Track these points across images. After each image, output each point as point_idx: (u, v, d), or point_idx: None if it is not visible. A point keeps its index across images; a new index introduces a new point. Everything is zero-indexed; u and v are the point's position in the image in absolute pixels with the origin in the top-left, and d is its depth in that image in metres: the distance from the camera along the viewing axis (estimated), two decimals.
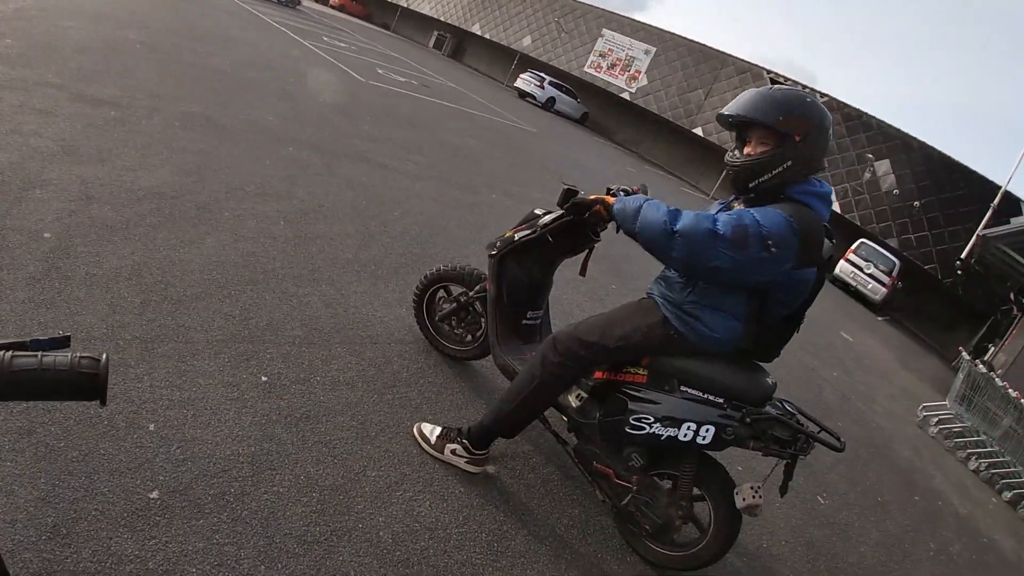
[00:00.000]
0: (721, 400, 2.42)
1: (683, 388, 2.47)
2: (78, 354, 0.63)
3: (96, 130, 4.92)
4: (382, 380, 3.20)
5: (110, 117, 5.31)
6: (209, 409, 2.49)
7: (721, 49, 26.33)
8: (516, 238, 3.05)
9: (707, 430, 2.39)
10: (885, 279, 17.74)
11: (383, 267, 4.49)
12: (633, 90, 28.48)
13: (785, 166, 2.25)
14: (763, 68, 24.54)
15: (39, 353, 0.62)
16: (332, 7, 39.68)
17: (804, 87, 23.05)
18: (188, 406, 2.45)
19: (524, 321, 3.23)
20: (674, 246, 2.21)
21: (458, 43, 38.26)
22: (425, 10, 39.21)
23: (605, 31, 29.74)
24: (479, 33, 35.57)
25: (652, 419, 2.45)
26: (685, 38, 27.32)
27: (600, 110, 31.31)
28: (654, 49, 28.05)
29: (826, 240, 2.34)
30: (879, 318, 17.58)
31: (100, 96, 5.75)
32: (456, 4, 37.19)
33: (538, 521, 2.71)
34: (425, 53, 33.27)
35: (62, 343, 0.66)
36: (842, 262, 18.26)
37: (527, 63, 32.56)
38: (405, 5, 41.00)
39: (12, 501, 1.83)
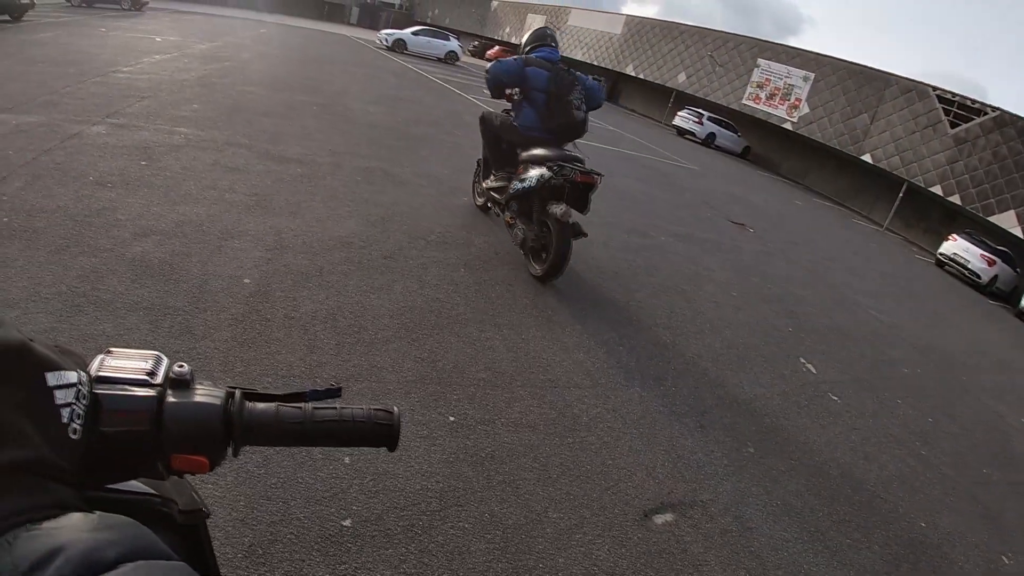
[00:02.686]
0: (544, 164, 4.73)
1: (528, 164, 4.93)
2: (372, 407, 0.70)
3: (285, 185, 5.43)
4: (563, 424, 3.22)
5: (296, 173, 5.85)
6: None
7: (883, 69, 24.51)
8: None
9: (534, 176, 4.74)
10: None
11: (559, 313, 4.55)
12: (795, 119, 26.99)
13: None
14: (928, 85, 22.18)
15: (337, 405, 0.69)
16: (487, 60, 41.47)
17: (973, 101, 20.84)
18: None
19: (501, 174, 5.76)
20: (487, 84, 5.32)
21: (612, 85, 38.25)
22: (578, 56, 39.72)
23: (760, 61, 28.59)
24: (633, 74, 35.40)
25: (517, 181, 5.00)
26: (844, 60, 25.43)
27: (761, 142, 30.02)
28: (812, 75, 26.50)
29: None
30: None
31: (285, 155, 6.35)
32: (608, 47, 37.44)
33: (714, 573, 2.58)
34: None
35: (335, 393, 0.71)
36: None
37: (683, 100, 31.96)
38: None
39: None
